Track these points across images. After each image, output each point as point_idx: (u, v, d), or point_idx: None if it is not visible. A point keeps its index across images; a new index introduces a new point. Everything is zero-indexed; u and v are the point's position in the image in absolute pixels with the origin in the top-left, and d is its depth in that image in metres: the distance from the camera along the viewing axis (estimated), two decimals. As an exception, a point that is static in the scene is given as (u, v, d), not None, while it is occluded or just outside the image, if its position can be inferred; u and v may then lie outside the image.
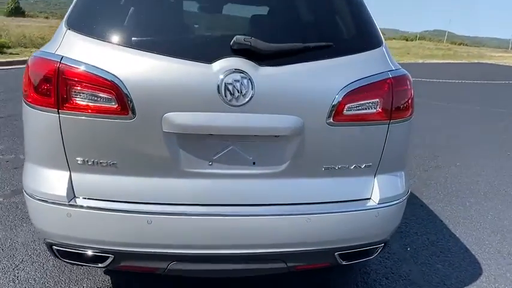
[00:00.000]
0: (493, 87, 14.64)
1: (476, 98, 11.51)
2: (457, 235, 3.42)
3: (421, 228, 3.49)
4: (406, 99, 2.02)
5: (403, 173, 2.16)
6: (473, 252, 3.15)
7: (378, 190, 2.02)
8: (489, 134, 7.13)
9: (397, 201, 2.07)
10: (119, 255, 1.88)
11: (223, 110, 1.76)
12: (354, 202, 2.00)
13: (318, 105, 1.85)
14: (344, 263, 2.08)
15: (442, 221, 3.66)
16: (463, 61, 28.47)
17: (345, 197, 1.99)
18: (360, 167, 1.99)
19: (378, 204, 2.01)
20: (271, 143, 1.88)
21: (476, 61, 29.27)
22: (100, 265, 1.93)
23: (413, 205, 3.95)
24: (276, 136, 1.86)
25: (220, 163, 1.86)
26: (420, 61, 25.57)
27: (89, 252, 1.87)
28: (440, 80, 15.22)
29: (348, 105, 1.87)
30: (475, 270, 2.92)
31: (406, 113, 2.03)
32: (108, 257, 1.88)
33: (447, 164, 5.29)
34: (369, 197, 2.03)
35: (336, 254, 2.02)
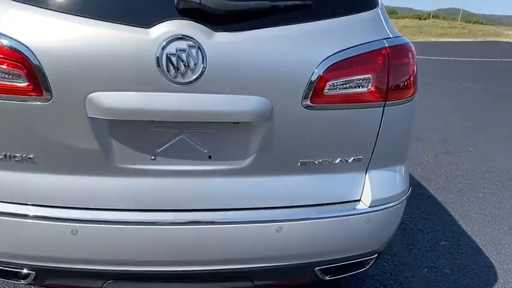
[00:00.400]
0: (509, 65, 13.95)
1: (491, 77, 10.90)
2: (469, 233, 3.00)
3: (427, 224, 3.08)
4: (407, 76, 1.59)
5: (402, 167, 1.74)
6: (487, 254, 2.74)
7: (370, 190, 1.61)
8: (506, 116, 6.62)
9: (394, 204, 1.66)
10: (42, 272, 1.51)
11: (166, 89, 1.35)
12: (339, 205, 1.60)
13: (291, 82, 1.44)
14: (327, 278, 1.69)
15: (451, 216, 3.25)
16: (478, 39, 27.51)
17: (326, 199, 1.59)
18: (347, 161, 1.58)
19: (370, 207, 1.60)
20: (231, 132, 1.47)
21: (491, 39, 28.27)
22: (23, 282, 1.56)
23: (420, 196, 3.54)
24: (235, 123, 1.45)
25: (166, 157, 1.47)
26: (433, 40, 24.74)
27: (6, 268, 1.51)
28: (453, 58, 14.56)
29: (331, 82, 1.45)
30: (489, 276, 2.52)
31: (407, 92, 1.60)
32: (30, 273, 1.52)
33: (459, 150, 4.84)
34: (358, 199, 1.62)
35: (316, 269, 1.63)
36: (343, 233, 1.60)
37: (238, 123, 1.45)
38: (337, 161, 1.57)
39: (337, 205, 1.60)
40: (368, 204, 1.60)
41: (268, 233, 1.51)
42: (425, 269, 2.54)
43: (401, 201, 1.70)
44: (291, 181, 1.56)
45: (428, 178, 3.96)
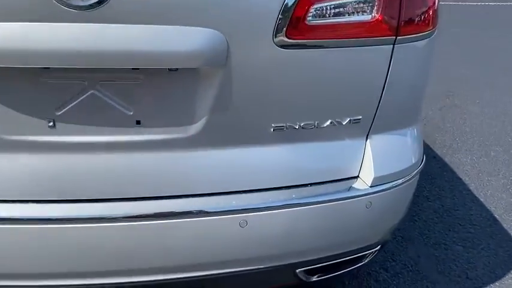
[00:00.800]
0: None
1: (500, 24, 10.23)
2: (481, 199, 2.59)
3: (434, 190, 2.66)
4: (426, 4, 1.11)
5: (415, 130, 1.28)
6: (504, 225, 2.34)
7: (372, 163, 1.16)
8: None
9: (404, 181, 1.21)
10: None
11: (58, 18, 0.86)
12: (329, 185, 1.15)
13: (257, 7, 0.95)
14: (314, 279, 1.28)
15: (460, 179, 2.83)
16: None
17: (311, 178, 1.14)
18: (341, 124, 1.11)
19: (371, 187, 1.16)
20: (168, 84, 0.99)
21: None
22: None
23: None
24: (171, 70, 0.97)
25: (71, 123, 0.99)
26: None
27: None
28: (460, 3, 13.74)
29: (316, 6, 0.97)
30: (509, 253, 2.13)
31: (426, 24, 1.12)
32: None
33: (465, 102, 4.36)
34: (356, 176, 1.17)
35: (298, 271, 1.21)
36: (334, 223, 1.16)
37: (176, 70, 0.97)
38: (327, 124, 1.10)
39: (326, 185, 1.15)
40: (369, 183, 1.16)
41: (228, 229, 1.06)
42: (433, 246, 2.14)
43: (413, 177, 1.26)
44: (261, 154, 1.10)
45: (433, 135, 3.52)
